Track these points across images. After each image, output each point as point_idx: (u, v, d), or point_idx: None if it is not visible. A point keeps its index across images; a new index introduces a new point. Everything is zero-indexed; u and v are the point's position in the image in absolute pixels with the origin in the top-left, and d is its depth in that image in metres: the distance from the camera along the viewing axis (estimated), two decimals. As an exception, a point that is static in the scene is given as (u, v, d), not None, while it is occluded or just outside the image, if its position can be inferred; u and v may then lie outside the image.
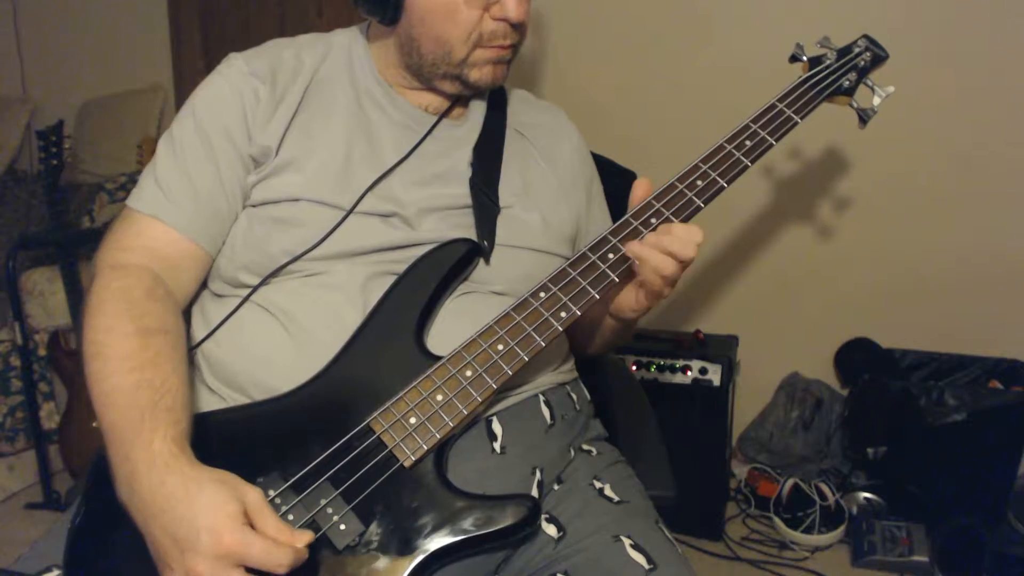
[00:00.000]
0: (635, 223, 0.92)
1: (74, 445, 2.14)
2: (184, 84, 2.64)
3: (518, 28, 0.98)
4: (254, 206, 0.96)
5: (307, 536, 0.74)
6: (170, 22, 2.64)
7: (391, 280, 0.92)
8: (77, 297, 2.11)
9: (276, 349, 0.91)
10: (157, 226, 0.94)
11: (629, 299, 0.95)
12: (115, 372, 0.81)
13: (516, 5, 0.95)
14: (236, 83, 0.98)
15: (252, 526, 0.72)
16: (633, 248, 0.89)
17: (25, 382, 2.17)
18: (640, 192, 0.94)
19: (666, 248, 0.88)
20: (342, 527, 0.78)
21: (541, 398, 0.97)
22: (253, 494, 0.74)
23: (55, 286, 2.25)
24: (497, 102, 1.10)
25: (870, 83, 1.08)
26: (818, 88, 1.04)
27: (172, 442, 0.76)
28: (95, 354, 0.83)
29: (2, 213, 2.60)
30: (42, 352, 2.26)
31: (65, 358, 2.22)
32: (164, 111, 2.70)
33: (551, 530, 0.91)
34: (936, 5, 1.86)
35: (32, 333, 2.23)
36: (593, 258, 0.91)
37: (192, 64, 2.62)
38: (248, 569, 0.71)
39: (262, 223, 0.95)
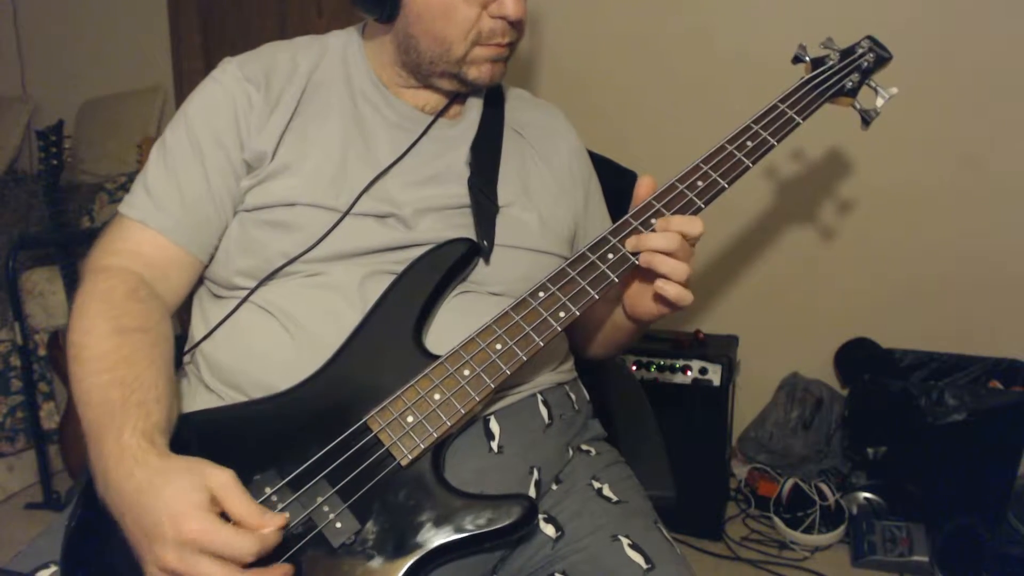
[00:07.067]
0: (635, 223, 0.92)
1: (74, 445, 2.14)
2: (184, 84, 2.65)
3: (516, 26, 0.98)
4: (248, 211, 0.96)
5: (279, 519, 0.73)
6: (170, 22, 2.65)
7: (389, 280, 0.92)
8: (77, 297, 2.12)
9: (275, 348, 0.91)
10: (145, 231, 0.94)
11: (647, 306, 0.96)
12: (91, 372, 0.82)
13: (514, 3, 0.95)
14: (229, 88, 0.97)
15: (224, 511, 0.72)
16: (632, 242, 0.89)
17: (25, 382, 2.17)
18: (643, 190, 0.93)
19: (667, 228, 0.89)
20: (338, 525, 0.78)
21: (539, 397, 0.97)
22: (220, 476, 0.73)
23: (55, 286, 2.25)
24: (494, 101, 1.10)
25: (873, 84, 1.07)
26: (820, 89, 1.03)
27: (141, 435, 0.76)
28: (74, 356, 0.84)
29: (2, 213, 2.60)
30: (42, 352, 2.25)
31: (65, 358, 2.21)
32: (164, 111, 2.70)
33: (549, 530, 0.91)
34: (940, 6, 1.86)
35: (32, 333, 2.23)
36: (592, 258, 0.90)
37: (192, 64, 2.62)
38: (248, 565, 0.70)
39: (257, 227, 0.95)
